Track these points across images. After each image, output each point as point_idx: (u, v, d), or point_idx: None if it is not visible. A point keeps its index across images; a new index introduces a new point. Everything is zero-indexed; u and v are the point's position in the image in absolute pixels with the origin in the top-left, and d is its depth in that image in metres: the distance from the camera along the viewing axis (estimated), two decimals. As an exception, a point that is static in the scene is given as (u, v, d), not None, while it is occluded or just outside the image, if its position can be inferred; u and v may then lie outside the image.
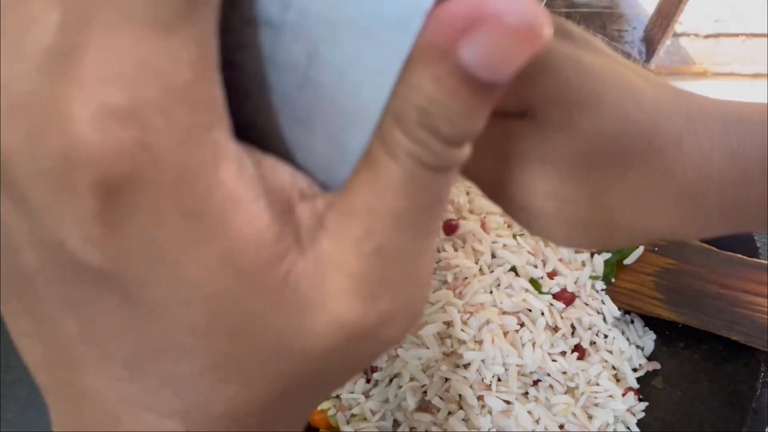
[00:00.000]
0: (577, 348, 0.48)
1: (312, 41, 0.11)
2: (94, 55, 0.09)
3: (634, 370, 0.49)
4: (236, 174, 0.11)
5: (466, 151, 0.12)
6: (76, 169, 0.09)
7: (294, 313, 0.11)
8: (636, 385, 0.49)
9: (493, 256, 0.49)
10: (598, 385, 0.47)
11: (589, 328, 0.49)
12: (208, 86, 0.10)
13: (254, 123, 0.12)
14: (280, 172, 0.12)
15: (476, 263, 0.48)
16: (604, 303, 0.50)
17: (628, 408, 0.47)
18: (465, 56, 0.10)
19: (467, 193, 0.52)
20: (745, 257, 0.46)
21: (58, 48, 0.10)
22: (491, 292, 0.48)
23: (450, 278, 0.48)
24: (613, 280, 0.51)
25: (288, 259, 0.11)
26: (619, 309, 0.50)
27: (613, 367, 0.49)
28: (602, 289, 0.51)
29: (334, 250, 0.12)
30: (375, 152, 0.11)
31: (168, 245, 0.10)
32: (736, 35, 0.79)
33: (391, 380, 0.46)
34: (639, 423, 0.47)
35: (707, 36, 0.79)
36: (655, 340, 0.50)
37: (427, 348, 0.45)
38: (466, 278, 0.48)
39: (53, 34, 0.10)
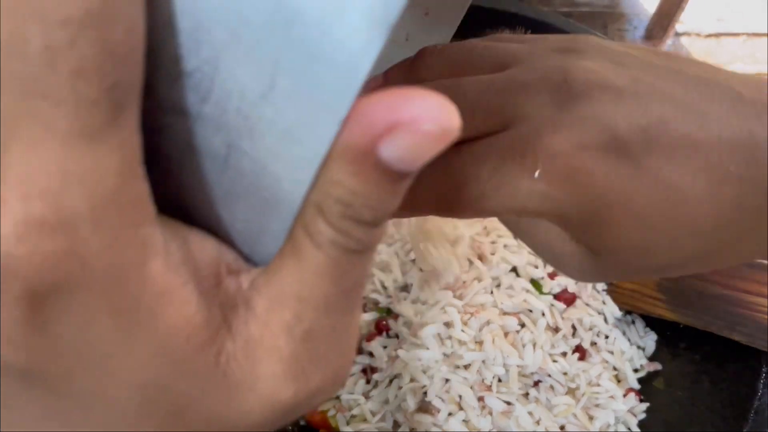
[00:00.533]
0: (578, 349, 0.48)
1: (231, 134, 0.11)
2: (17, 168, 0.09)
3: (635, 370, 0.49)
4: (164, 266, 0.11)
5: (384, 228, 0.12)
6: (1, 282, 0.09)
7: (224, 392, 0.12)
8: (637, 386, 0.48)
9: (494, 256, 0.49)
10: (599, 385, 0.47)
11: (590, 329, 0.49)
12: (135, 185, 0.10)
13: (178, 198, 0.12)
14: (207, 246, 0.12)
15: (476, 264, 0.48)
16: (605, 303, 0.50)
17: (629, 409, 0.47)
18: (384, 154, 0.11)
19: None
20: (746, 257, 0.46)
21: None
22: (492, 292, 0.48)
23: (450, 279, 0.48)
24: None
25: (218, 340, 0.11)
26: (620, 309, 0.50)
27: (614, 368, 0.49)
28: (603, 290, 0.51)
29: (264, 334, 0.12)
30: (299, 240, 0.12)
31: (99, 342, 0.10)
32: (738, 35, 0.79)
33: (391, 381, 0.46)
34: (640, 424, 0.47)
35: (708, 35, 0.79)
36: (657, 341, 0.50)
37: (427, 349, 0.45)
38: (465, 281, 0.48)
39: None
